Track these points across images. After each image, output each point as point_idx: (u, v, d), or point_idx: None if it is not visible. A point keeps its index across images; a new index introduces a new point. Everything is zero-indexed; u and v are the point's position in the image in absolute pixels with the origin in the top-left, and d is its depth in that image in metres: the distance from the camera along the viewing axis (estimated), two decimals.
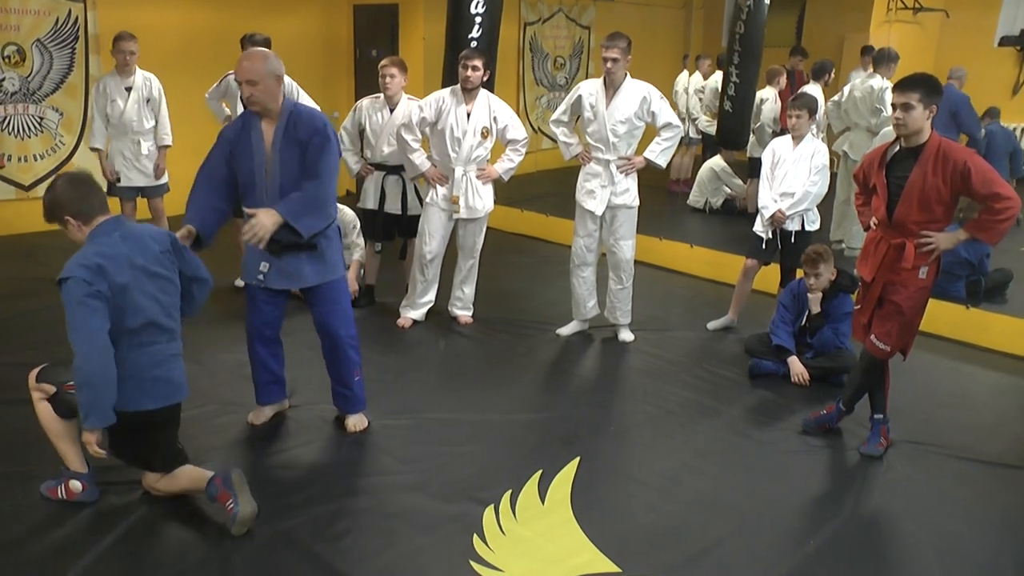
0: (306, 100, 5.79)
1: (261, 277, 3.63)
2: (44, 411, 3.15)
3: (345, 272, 3.79)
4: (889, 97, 6.87)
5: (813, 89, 7.57)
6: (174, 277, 3.08)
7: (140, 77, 5.87)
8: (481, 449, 3.80)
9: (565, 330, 5.36)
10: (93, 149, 5.87)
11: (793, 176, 5.11)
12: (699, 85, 9.74)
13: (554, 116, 5.18)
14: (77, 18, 7.46)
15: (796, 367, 4.63)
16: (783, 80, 8.47)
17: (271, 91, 3.42)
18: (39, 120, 7.45)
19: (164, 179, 6.11)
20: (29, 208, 7.41)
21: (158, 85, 5.98)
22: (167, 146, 6.10)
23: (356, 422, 3.93)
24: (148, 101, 5.93)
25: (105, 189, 5.86)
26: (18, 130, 7.36)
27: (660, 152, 4.96)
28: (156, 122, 6.01)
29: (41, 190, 7.48)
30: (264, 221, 3.31)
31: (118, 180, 5.91)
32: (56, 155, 7.60)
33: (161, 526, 3.11)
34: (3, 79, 7.17)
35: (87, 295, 2.76)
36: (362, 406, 3.96)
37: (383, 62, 5.40)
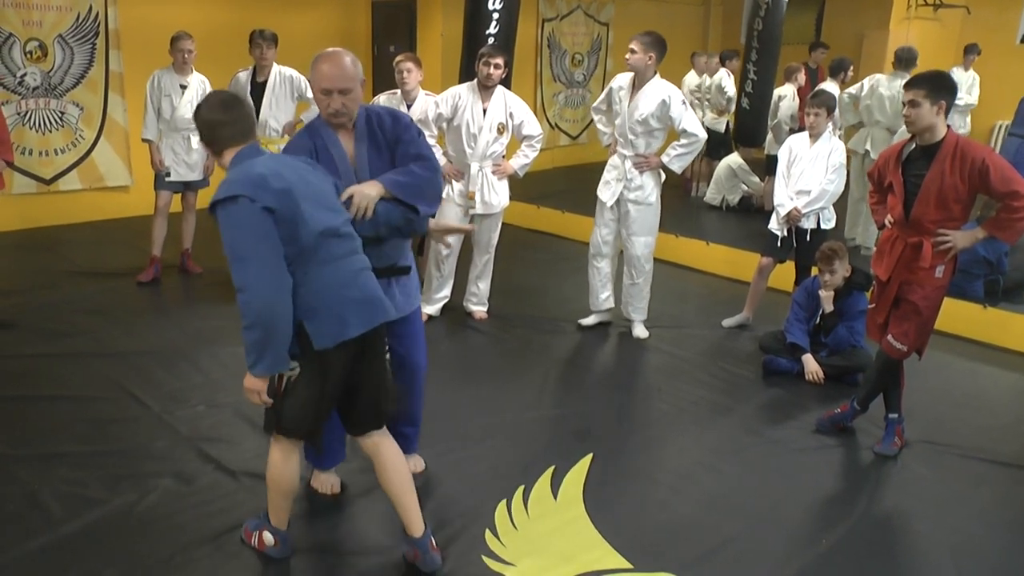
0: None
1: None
2: (275, 459, 2.79)
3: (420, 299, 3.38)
4: None
5: (830, 86, 7.53)
6: (331, 182, 2.78)
7: (196, 77, 5.91)
8: (494, 444, 3.81)
9: (587, 321, 5.40)
10: (145, 140, 5.91)
11: (810, 174, 5.09)
12: (694, 84, 9.70)
13: (594, 104, 5.31)
14: (98, 14, 7.53)
15: (811, 365, 4.61)
16: (801, 77, 8.43)
17: (359, 100, 2.94)
18: (60, 115, 7.53)
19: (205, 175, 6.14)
20: (51, 201, 7.52)
21: (210, 87, 6.01)
22: None
23: (415, 464, 3.53)
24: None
25: (153, 180, 5.98)
26: (39, 124, 7.43)
27: (675, 157, 4.96)
28: None
29: (62, 184, 7.59)
30: (366, 190, 2.83)
31: (168, 174, 5.94)
32: (76, 149, 7.67)
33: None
34: (25, 74, 7.25)
35: (253, 215, 2.41)
36: (416, 447, 3.58)
37: (399, 58, 5.43)
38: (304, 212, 2.50)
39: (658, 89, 4.85)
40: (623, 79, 5.01)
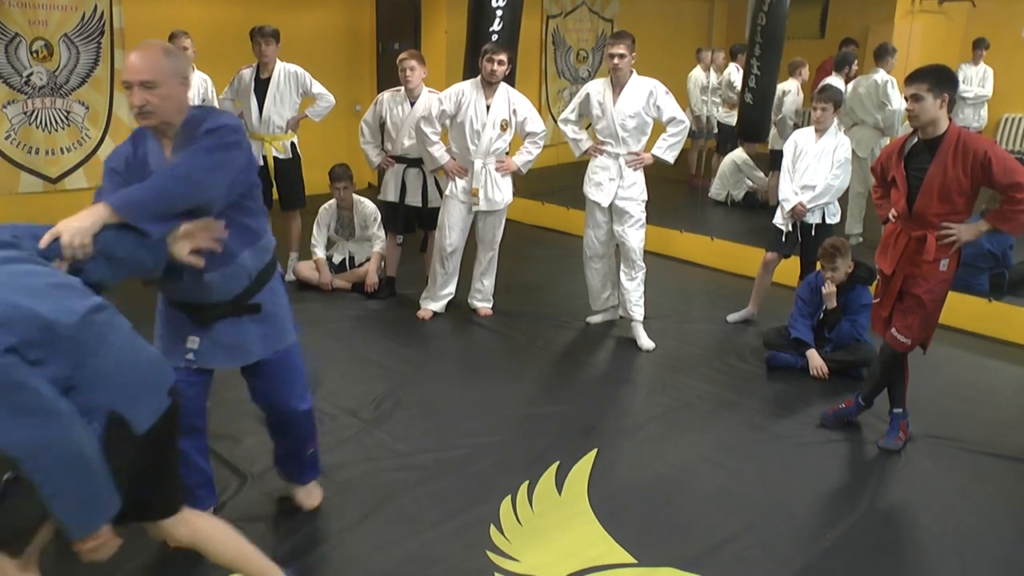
0: (321, 91, 5.85)
1: (191, 357, 2.72)
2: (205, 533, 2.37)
3: (296, 333, 2.91)
4: (892, 91, 6.87)
5: (835, 81, 7.51)
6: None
7: (197, 76, 5.93)
8: (499, 440, 3.82)
9: (594, 319, 5.41)
10: None
11: (815, 169, 5.08)
12: (703, 80, 9.68)
13: (562, 116, 5.22)
14: (103, 13, 7.55)
15: (815, 361, 4.61)
16: (805, 72, 8.40)
17: (175, 98, 2.47)
18: (66, 114, 7.55)
19: None
20: (57, 201, 7.53)
21: (212, 86, 6.04)
22: None
23: (308, 495, 3.22)
24: (203, 100, 5.99)
25: None
26: (45, 124, 7.45)
27: (667, 148, 4.96)
28: None
29: (68, 183, 7.61)
30: (74, 223, 2.14)
31: None
32: (82, 148, 7.69)
33: None
34: (31, 73, 7.27)
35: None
36: (315, 474, 3.24)
37: (402, 55, 5.44)
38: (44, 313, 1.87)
39: (642, 83, 4.87)
40: (598, 84, 5.01)
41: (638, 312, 5.10)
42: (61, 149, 7.58)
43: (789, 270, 5.52)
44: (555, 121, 10.81)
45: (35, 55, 7.27)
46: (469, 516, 3.19)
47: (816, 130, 5.15)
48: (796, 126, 7.70)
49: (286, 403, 2.96)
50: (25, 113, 7.32)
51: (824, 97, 5.11)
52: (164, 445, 2.19)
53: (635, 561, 2.96)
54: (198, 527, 2.33)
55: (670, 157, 4.98)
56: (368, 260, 5.84)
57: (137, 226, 2.25)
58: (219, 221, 2.48)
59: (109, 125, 7.79)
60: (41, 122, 7.43)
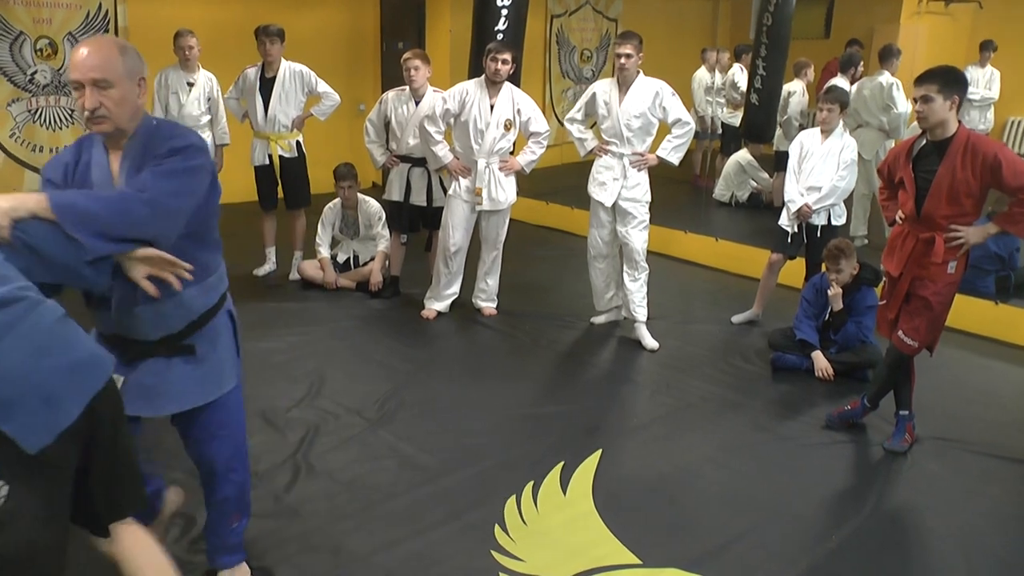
0: (327, 90, 5.85)
1: None
2: None
3: (238, 380, 2.55)
4: (898, 93, 6.85)
5: (841, 82, 7.49)
6: None
7: (203, 75, 5.93)
8: (503, 440, 3.81)
9: (598, 319, 5.39)
10: None
11: (820, 170, 5.06)
12: (708, 81, 9.66)
13: (568, 115, 5.21)
14: (107, 11, 7.55)
15: (820, 362, 4.60)
16: (810, 72, 8.38)
17: (130, 102, 2.19)
18: (70, 112, 7.55)
19: None
20: None
21: (217, 85, 6.02)
22: (225, 145, 6.18)
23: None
24: (208, 99, 5.99)
25: None
26: (50, 122, 7.46)
27: (672, 149, 4.95)
28: (214, 121, 6.06)
29: None
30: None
31: None
32: None
33: None
34: (35, 72, 7.28)
35: None
36: (237, 558, 2.76)
37: (406, 55, 5.44)
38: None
39: (648, 84, 4.87)
40: (604, 84, 5.01)
41: (641, 313, 5.08)
42: (65, 147, 7.57)
43: (794, 271, 5.50)
44: (559, 121, 10.84)
45: (39, 53, 7.28)
46: (473, 516, 3.18)
47: (822, 131, 5.13)
48: (801, 127, 7.69)
49: (212, 462, 2.56)
50: (29, 111, 7.33)
51: (830, 98, 5.10)
52: (64, 466, 1.85)
53: (640, 562, 2.94)
54: (125, 544, 2.09)
55: (675, 158, 4.97)
56: (372, 259, 5.84)
57: (72, 235, 1.97)
58: (184, 264, 2.19)
59: None
60: (45, 120, 7.44)
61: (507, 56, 4.99)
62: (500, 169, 5.17)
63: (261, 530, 3.02)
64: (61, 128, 7.53)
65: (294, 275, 6.01)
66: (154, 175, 2.13)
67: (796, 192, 5.14)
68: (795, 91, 8.27)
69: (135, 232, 2.08)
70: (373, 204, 5.83)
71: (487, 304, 5.50)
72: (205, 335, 2.41)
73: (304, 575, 2.83)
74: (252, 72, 5.74)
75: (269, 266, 6.21)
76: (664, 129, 5.02)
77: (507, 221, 5.39)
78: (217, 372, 2.46)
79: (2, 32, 7.06)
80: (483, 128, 5.07)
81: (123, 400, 2.09)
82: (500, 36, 6.02)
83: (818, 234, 5.11)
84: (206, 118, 5.99)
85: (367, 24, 9.53)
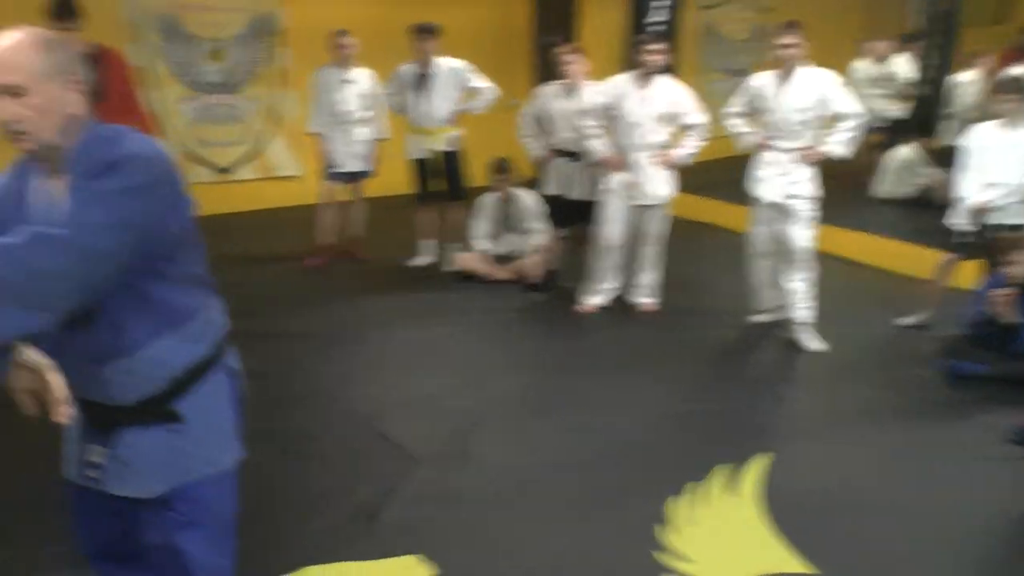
0: (482, 85, 5.91)
1: (94, 476, 1.90)
2: None
3: (231, 461, 2.03)
4: None
5: (1019, 71, 6.98)
6: None
7: (360, 72, 6.10)
8: (659, 437, 3.74)
9: (759, 318, 5.21)
10: (311, 133, 6.18)
11: (1000, 165, 4.72)
12: (874, 72, 9.18)
13: (727, 109, 5.05)
14: (270, 14, 7.91)
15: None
16: (984, 61, 7.85)
17: (55, 111, 1.70)
18: (235, 109, 7.96)
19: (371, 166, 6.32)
20: (225, 191, 7.97)
21: (375, 82, 6.18)
22: (382, 139, 6.29)
23: None
24: (365, 96, 6.13)
25: (321, 171, 6.22)
26: (217, 119, 7.89)
27: (840, 143, 4.71)
28: (373, 116, 6.17)
29: (236, 174, 8.04)
30: None
31: (336, 165, 6.18)
32: (249, 141, 8.10)
33: None
34: (205, 72, 7.72)
35: None
36: None
37: (562, 49, 5.45)
38: None
39: (812, 75, 4.66)
40: (764, 77, 4.82)
41: (805, 313, 4.87)
42: (230, 142, 8.00)
43: (968, 273, 5.16)
44: (715, 114, 10.61)
45: (209, 55, 7.71)
46: (632, 513, 3.13)
47: (1004, 123, 4.78)
48: (973, 120, 7.21)
49: (192, 557, 1.93)
50: (199, 109, 7.77)
51: (1010, 88, 4.76)
52: None
53: (813, 572, 2.82)
54: None
55: (843, 151, 4.74)
56: (529, 252, 5.86)
57: None
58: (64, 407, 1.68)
59: (274, 120, 8.16)
60: (213, 117, 7.87)
61: (657, 47, 4.91)
62: (656, 163, 5.08)
63: (422, 516, 3.08)
64: (227, 124, 7.96)
65: (450, 267, 6.11)
66: (76, 202, 1.61)
67: (972, 189, 4.81)
68: (966, 81, 7.77)
69: (47, 295, 1.53)
70: (529, 197, 5.86)
71: (643, 300, 5.41)
72: (192, 399, 1.88)
73: (465, 562, 2.85)
74: (408, 69, 5.87)
75: (425, 258, 6.34)
76: (828, 122, 4.79)
77: (664, 216, 5.29)
78: (209, 446, 1.94)
79: (176, 35, 7.52)
80: (637, 122, 5.00)
81: (109, 476, 1.85)
82: (653, 28, 5.94)
83: (995, 232, 4.77)
84: (364, 114, 6.16)
85: (519, 19, 9.56)
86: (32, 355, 1.69)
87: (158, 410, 1.86)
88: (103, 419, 1.86)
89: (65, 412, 1.69)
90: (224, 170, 8.03)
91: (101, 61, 4.80)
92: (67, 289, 1.57)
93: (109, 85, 4.83)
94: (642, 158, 5.06)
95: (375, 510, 3.12)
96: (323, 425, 3.82)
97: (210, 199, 7.81)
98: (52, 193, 1.73)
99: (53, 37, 1.73)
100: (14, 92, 1.64)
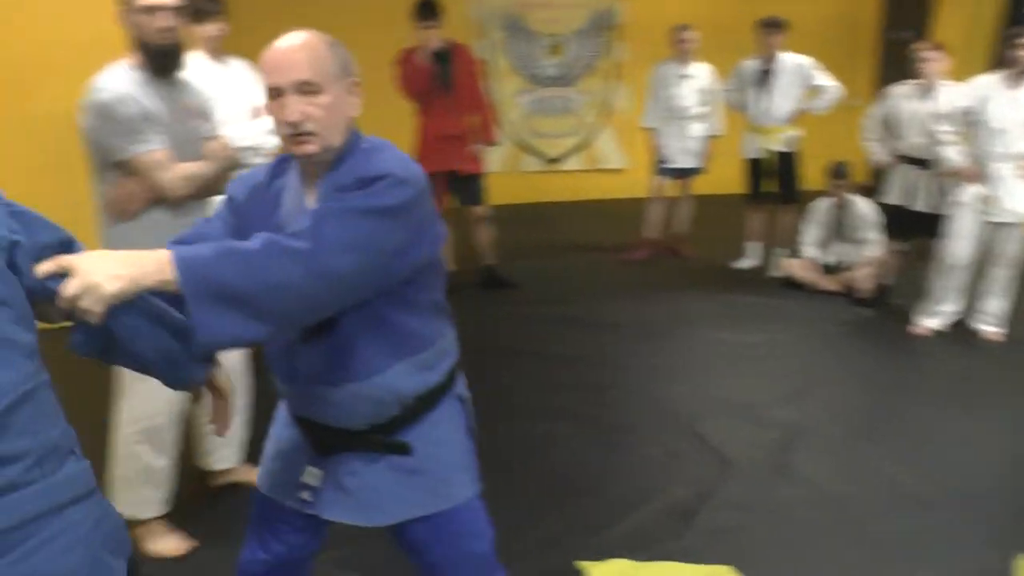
0: (827, 83, 5.62)
1: (306, 497, 1.85)
2: None
3: (471, 492, 1.88)
4: None
5: None
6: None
7: (698, 67, 6.11)
8: (1006, 485, 3.34)
9: None
10: (646, 127, 6.31)
11: None
12: None
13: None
14: (609, 10, 8.12)
15: None
16: None
17: (342, 112, 1.67)
18: (568, 102, 8.30)
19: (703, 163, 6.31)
20: (552, 180, 8.35)
21: (714, 78, 6.15)
22: (716, 136, 6.25)
23: None
24: (703, 91, 6.11)
25: (651, 165, 6.33)
26: (551, 111, 8.27)
27: None
28: (709, 112, 6.17)
29: (564, 164, 8.38)
30: (97, 274, 1.34)
31: (666, 161, 6.24)
32: (579, 133, 8.42)
33: None
34: (543, 67, 8.12)
35: None
36: None
37: (920, 45, 5.03)
38: None
39: None
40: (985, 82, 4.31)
41: None
42: (561, 134, 8.35)
43: None
44: None
45: (549, 50, 8.09)
46: (967, 565, 2.82)
47: None
48: None
49: None
50: (535, 101, 8.19)
51: None
52: None
53: None
54: None
55: None
56: (860, 264, 5.51)
57: (190, 311, 1.43)
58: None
59: (606, 113, 8.39)
60: (547, 109, 8.26)
61: None
62: (1022, 175, 4.54)
63: (738, 525, 3.02)
64: (559, 116, 8.33)
65: (776, 272, 5.91)
66: (322, 216, 1.55)
67: None
68: None
69: (274, 306, 1.50)
70: (865, 205, 5.50)
71: (989, 328, 4.87)
72: (423, 431, 1.81)
73: None
74: (751, 64, 5.74)
75: (750, 260, 6.20)
76: None
77: (1023, 236, 4.72)
78: (441, 477, 1.83)
79: (518, 32, 7.97)
80: (1003, 128, 4.49)
81: (323, 500, 1.83)
82: None
83: None
84: (700, 110, 6.12)
85: (865, 12, 8.97)
86: (223, 374, 1.67)
87: (386, 439, 1.79)
88: (326, 442, 1.82)
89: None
90: (553, 160, 8.41)
91: (453, 55, 5.24)
92: (295, 303, 1.52)
93: (457, 77, 5.27)
94: (1004, 169, 4.54)
95: (689, 512, 3.11)
96: (638, 418, 3.88)
97: (537, 188, 8.27)
98: (306, 201, 1.70)
99: (336, 40, 1.70)
100: (309, 90, 1.61)
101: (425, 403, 1.79)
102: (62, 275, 1.32)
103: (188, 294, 1.42)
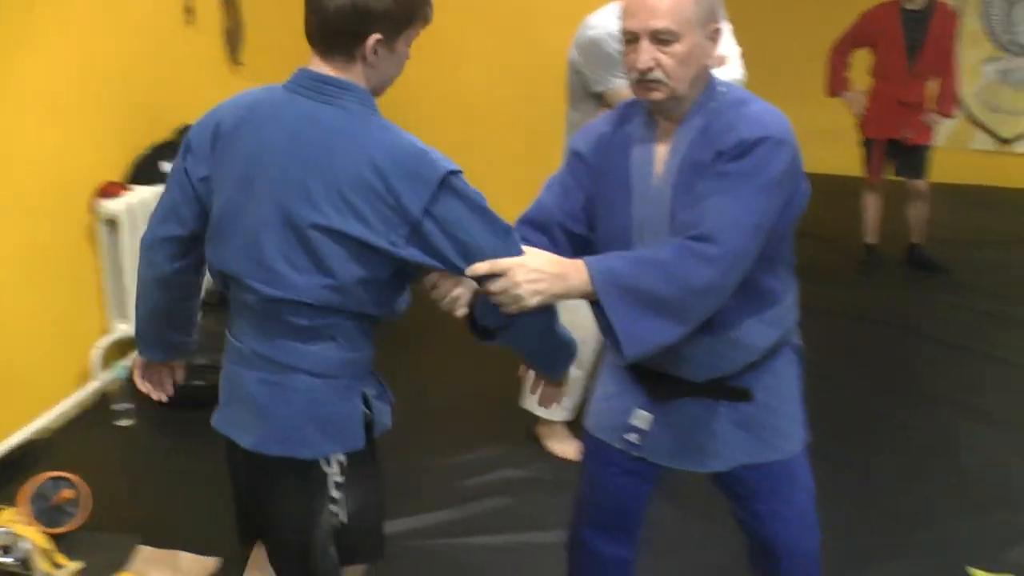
0: None
1: (633, 439, 1.88)
2: None
3: (802, 444, 1.92)
4: None
5: None
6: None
7: None
8: None
9: None
10: None
11: None
12: None
13: None
14: None
15: None
16: None
17: (693, 60, 1.61)
18: None
19: None
20: (1005, 162, 7.43)
21: None
22: None
23: None
24: None
25: None
26: (1016, 83, 7.30)
27: None
28: None
29: (1017, 147, 7.39)
30: (531, 282, 1.50)
31: None
32: None
33: None
34: (1020, 32, 7.13)
35: None
36: None
37: None
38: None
39: None
40: None
41: None
42: (1020, 112, 7.35)
43: None
44: None
45: None
46: None
47: None
48: None
49: (768, 542, 1.94)
50: (1000, 72, 7.27)
51: None
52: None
53: None
54: None
55: None
56: None
57: (612, 329, 1.56)
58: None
59: None
60: (1013, 81, 7.30)
61: None
62: None
63: None
64: None
65: None
66: (718, 197, 1.57)
67: None
68: None
69: (695, 307, 1.58)
70: None
71: None
72: (763, 377, 1.81)
73: None
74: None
75: None
76: None
77: None
78: (777, 428, 1.85)
79: None
80: None
81: (651, 445, 1.87)
82: None
83: None
84: None
85: None
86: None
87: (727, 387, 1.80)
88: (662, 390, 1.83)
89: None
90: (1005, 141, 7.46)
91: (933, 14, 4.85)
92: (714, 301, 1.59)
93: (930, 37, 4.87)
94: None
95: None
96: None
97: (985, 169, 7.41)
98: (655, 149, 1.69)
99: None
100: (663, 38, 1.57)
101: (766, 356, 1.80)
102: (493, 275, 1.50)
103: (608, 306, 1.52)
